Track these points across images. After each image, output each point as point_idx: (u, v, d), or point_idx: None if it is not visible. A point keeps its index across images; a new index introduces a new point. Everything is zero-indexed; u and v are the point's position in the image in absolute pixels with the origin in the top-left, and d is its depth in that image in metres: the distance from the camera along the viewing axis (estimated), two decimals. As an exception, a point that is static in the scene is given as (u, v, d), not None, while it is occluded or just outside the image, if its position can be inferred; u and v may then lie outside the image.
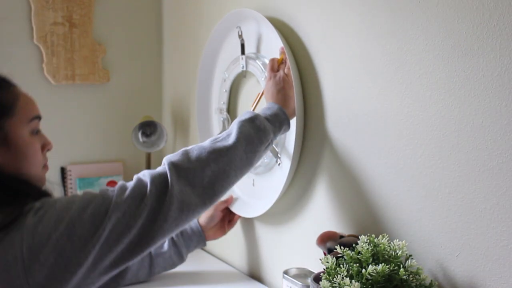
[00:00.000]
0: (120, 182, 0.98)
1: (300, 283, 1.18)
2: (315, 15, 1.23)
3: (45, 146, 1.04)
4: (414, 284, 0.92)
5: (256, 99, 1.34)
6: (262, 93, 1.30)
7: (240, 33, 1.40)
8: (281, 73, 1.24)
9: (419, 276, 0.93)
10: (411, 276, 0.93)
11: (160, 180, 0.96)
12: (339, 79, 1.17)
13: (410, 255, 0.96)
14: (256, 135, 1.08)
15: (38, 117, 1.02)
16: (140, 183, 0.96)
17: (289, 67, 1.24)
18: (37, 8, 1.80)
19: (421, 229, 1.01)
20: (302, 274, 1.24)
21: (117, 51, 1.98)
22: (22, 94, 1.00)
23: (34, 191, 0.96)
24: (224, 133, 1.08)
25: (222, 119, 1.56)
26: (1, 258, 0.87)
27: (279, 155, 1.31)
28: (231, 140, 1.05)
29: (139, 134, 1.94)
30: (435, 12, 0.94)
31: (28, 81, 1.86)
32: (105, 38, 1.95)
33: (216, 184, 1.00)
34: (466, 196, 0.92)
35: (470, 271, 0.93)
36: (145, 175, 0.99)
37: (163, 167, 1.00)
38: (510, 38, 0.83)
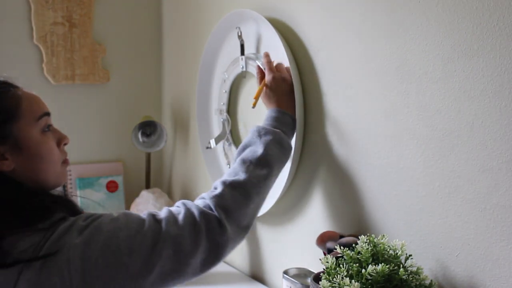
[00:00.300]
0: (166, 210, 0.96)
1: (300, 283, 1.18)
2: (315, 15, 1.23)
3: (61, 141, 1.00)
4: (414, 284, 0.92)
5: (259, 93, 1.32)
6: (264, 83, 1.28)
7: (239, 34, 1.40)
8: (281, 74, 1.24)
9: (419, 276, 0.93)
10: (411, 276, 0.93)
11: (213, 225, 0.95)
12: (339, 79, 1.17)
13: (410, 255, 0.96)
14: (284, 157, 1.11)
15: (47, 114, 0.98)
16: (192, 221, 0.94)
17: (288, 68, 1.24)
18: (37, 8, 1.81)
19: (421, 229, 1.01)
20: (302, 274, 1.24)
21: (117, 51, 1.99)
22: (24, 95, 0.97)
23: (58, 202, 0.94)
24: (252, 153, 1.07)
25: (222, 120, 1.56)
26: (46, 278, 0.83)
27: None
28: (266, 167, 1.06)
29: (139, 134, 1.94)
30: (435, 12, 0.94)
31: (28, 81, 1.84)
32: (105, 38, 1.96)
33: (257, 212, 1.04)
34: (466, 196, 0.92)
35: (470, 271, 0.93)
36: (195, 214, 0.96)
37: (209, 206, 0.98)
38: (510, 38, 0.83)
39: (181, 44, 1.90)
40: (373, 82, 1.09)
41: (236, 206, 0.98)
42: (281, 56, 1.28)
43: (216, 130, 1.60)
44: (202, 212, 0.94)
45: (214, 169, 1.62)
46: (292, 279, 1.21)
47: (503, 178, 0.86)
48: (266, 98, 1.24)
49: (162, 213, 0.95)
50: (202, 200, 1.01)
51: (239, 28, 1.40)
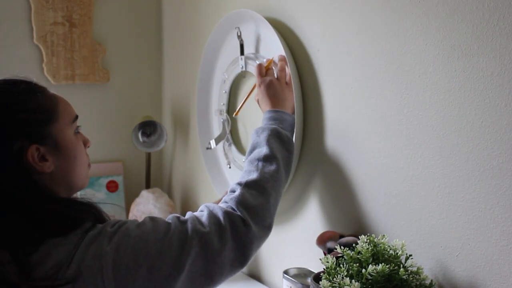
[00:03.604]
0: (190, 213, 0.97)
1: (300, 283, 1.18)
2: (314, 15, 1.23)
3: (85, 144, 1.02)
4: (414, 284, 0.92)
5: (250, 92, 1.33)
6: (272, 60, 1.28)
7: (239, 34, 1.40)
8: (269, 77, 1.23)
9: (419, 276, 0.93)
10: (411, 276, 0.93)
11: (237, 224, 0.95)
12: (338, 79, 1.17)
13: (410, 255, 0.96)
14: (285, 150, 1.11)
15: (77, 117, 0.99)
16: (217, 221, 0.94)
17: (282, 69, 1.24)
18: (37, 8, 1.81)
19: (421, 229, 1.01)
20: (302, 274, 1.24)
21: (117, 51, 1.99)
22: (58, 97, 0.97)
23: (88, 210, 0.94)
24: (258, 153, 1.08)
25: (222, 120, 1.56)
26: (82, 283, 0.83)
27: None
28: (274, 162, 1.07)
29: (139, 134, 1.94)
30: (435, 12, 0.94)
31: (28, 81, 1.87)
32: (105, 38, 1.96)
33: (276, 207, 1.04)
34: (466, 196, 0.92)
35: (470, 271, 0.93)
36: (219, 214, 0.96)
37: (231, 207, 0.99)
38: (510, 38, 0.83)
39: (181, 44, 1.90)
40: (372, 82, 1.09)
41: (257, 203, 0.99)
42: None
43: (216, 130, 1.60)
44: (225, 212, 0.95)
45: (214, 169, 1.61)
46: (292, 279, 1.21)
47: (503, 178, 0.86)
48: (259, 103, 1.25)
49: (187, 216, 0.96)
50: (224, 203, 1.02)
51: (239, 28, 1.40)
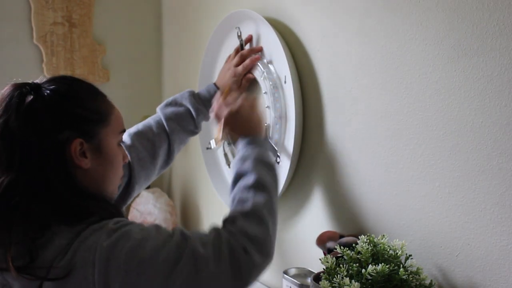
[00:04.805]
0: (195, 230, 0.97)
1: (300, 283, 1.19)
2: (314, 15, 1.23)
3: (124, 159, 1.05)
4: (414, 284, 0.92)
5: (226, 93, 1.26)
6: (229, 88, 1.31)
7: (239, 34, 1.40)
8: (236, 104, 1.17)
9: (419, 276, 0.93)
10: (411, 276, 0.93)
11: (238, 251, 0.93)
12: (338, 79, 1.17)
13: (410, 255, 0.96)
14: (274, 175, 1.08)
15: (124, 131, 1.04)
16: (218, 245, 0.92)
17: (245, 97, 1.18)
18: (37, 8, 1.80)
19: (421, 229, 1.01)
20: (302, 274, 1.24)
21: (117, 51, 1.98)
22: (115, 106, 1.02)
23: (107, 211, 0.95)
24: (247, 181, 1.05)
25: (222, 119, 1.56)
26: (72, 276, 0.85)
27: (278, 153, 1.31)
28: (265, 189, 1.04)
29: (139, 134, 1.94)
30: (435, 12, 0.94)
31: (28, 81, 1.87)
32: (105, 38, 1.95)
33: (275, 234, 1.02)
34: (466, 196, 0.92)
35: (470, 271, 0.93)
36: (223, 239, 0.94)
37: (230, 238, 0.95)
38: (510, 38, 0.83)
39: (181, 44, 1.90)
40: (372, 82, 1.09)
41: (257, 232, 0.97)
42: (280, 56, 1.28)
43: (216, 130, 1.60)
44: (228, 239, 0.93)
45: (214, 169, 1.62)
46: (292, 279, 1.21)
47: (503, 178, 0.86)
48: (230, 132, 1.19)
49: (191, 232, 0.95)
50: (227, 231, 0.99)
51: (239, 28, 1.40)
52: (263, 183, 1.05)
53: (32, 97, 0.91)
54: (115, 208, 0.98)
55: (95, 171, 0.95)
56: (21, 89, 0.92)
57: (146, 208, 1.85)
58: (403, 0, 1.00)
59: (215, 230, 0.95)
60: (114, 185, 1.02)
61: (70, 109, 0.93)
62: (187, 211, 1.94)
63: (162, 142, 1.33)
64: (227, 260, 0.90)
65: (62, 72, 1.87)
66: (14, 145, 0.88)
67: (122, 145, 1.04)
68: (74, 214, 0.90)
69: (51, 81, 0.95)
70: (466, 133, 0.91)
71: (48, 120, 0.90)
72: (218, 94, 1.26)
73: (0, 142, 0.89)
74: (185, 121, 1.36)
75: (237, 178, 1.07)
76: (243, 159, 1.08)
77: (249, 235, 0.95)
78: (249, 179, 1.05)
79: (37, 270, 0.85)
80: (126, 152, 1.07)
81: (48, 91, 0.92)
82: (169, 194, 2.06)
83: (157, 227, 0.92)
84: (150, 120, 1.36)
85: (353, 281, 0.90)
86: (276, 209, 1.05)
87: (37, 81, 0.95)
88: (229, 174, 1.57)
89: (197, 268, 0.88)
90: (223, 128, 1.18)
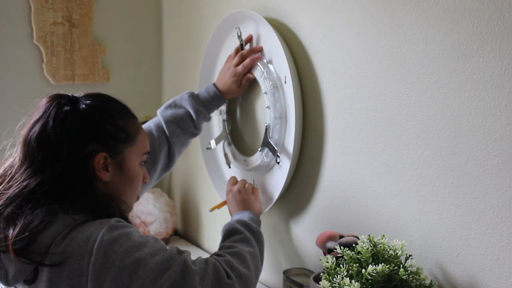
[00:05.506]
0: (188, 252, 1.00)
1: (300, 283, 1.19)
2: (314, 15, 1.23)
3: (144, 179, 1.09)
4: (414, 284, 0.92)
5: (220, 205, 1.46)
6: (225, 202, 1.41)
7: (239, 34, 1.40)
8: (236, 187, 1.33)
9: (419, 276, 0.93)
10: (411, 276, 0.93)
11: (221, 275, 0.99)
12: (338, 79, 1.17)
13: (410, 255, 0.96)
14: (258, 240, 1.17)
15: (148, 153, 1.10)
16: (204, 268, 0.98)
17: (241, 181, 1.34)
18: (37, 8, 1.80)
19: (421, 229, 1.01)
20: (302, 274, 1.24)
21: (117, 51, 1.98)
22: (143, 129, 1.09)
23: (114, 214, 0.98)
24: (235, 237, 1.15)
25: (222, 120, 1.56)
26: (70, 261, 0.88)
27: (278, 154, 1.32)
28: (251, 245, 1.13)
29: (139, 134, 1.94)
30: (435, 12, 0.94)
31: (28, 81, 1.86)
32: (105, 38, 1.95)
33: (257, 281, 1.11)
34: (466, 196, 0.92)
35: (470, 271, 0.93)
36: (210, 263, 1.00)
37: (220, 263, 1.02)
38: (510, 38, 0.83)
39: (181, 44, 1.90)
40: (372, 82, 1.09)
41: (242, 268, 1.04)
42: (280, 56, 1.28)
43: (216, 130, 1.60)
44: (214, 263, 1.00)
45: (214, 169, 1.62)
46: (292, 279, 1.21)
47: (503, 178, 0.86)
48: (229, 208, 1.34)
49: (185, 251, 1.00)
50: (214, 258, 1.06)
51: (239, 28, 1.40)
52: (250, 241, 1.14)
53: (68, 108, 0.97)
54: (122, 214, 1.01)
55: (114, 185, 1.01)
56: (59, 100, 0.99)
57: (146, 208, 1.85)
58: (403, 0, 1.00)
59: (204, 258, 1.02)
60: (130, 201, 1.07)
61: (100, 124, 0.99)
62: (187, 211, 1.94)
63: (162, 146, 1.36)
64: (211, 280, 0.96)
65: (62, 72, 1.87)
66: (48, 149, 0.94)
67: (144, 165, 1.09)
68: (84, 210, 0.95)
69: (88, 96, 1.03)
70: (466, 133, 0.91)
71: (79, 131, 0.96)
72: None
73: (37, 143, 0.95)
74: (185, 123, 1.38)
75: (226, 237, 1.17)
76: (233, 223, 1.18)
77: (233, 267, 1.02)
78: (237, 237, 1.15)
79: (33, 254, 0.89)
80: (147, 173, 1.12)
81: (84, 105, 0.99)
82: (169, 194, 2.06)
83: (155, 238, 0.97)
84: (150, 124, 1.40)
85: (353, 281, 0.90)
86: (260, 266, 1.13)
87: (76, 94, 1.03)
88: (229, 174, 1.57)
89: (184, 279, 0.93)
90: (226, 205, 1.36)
